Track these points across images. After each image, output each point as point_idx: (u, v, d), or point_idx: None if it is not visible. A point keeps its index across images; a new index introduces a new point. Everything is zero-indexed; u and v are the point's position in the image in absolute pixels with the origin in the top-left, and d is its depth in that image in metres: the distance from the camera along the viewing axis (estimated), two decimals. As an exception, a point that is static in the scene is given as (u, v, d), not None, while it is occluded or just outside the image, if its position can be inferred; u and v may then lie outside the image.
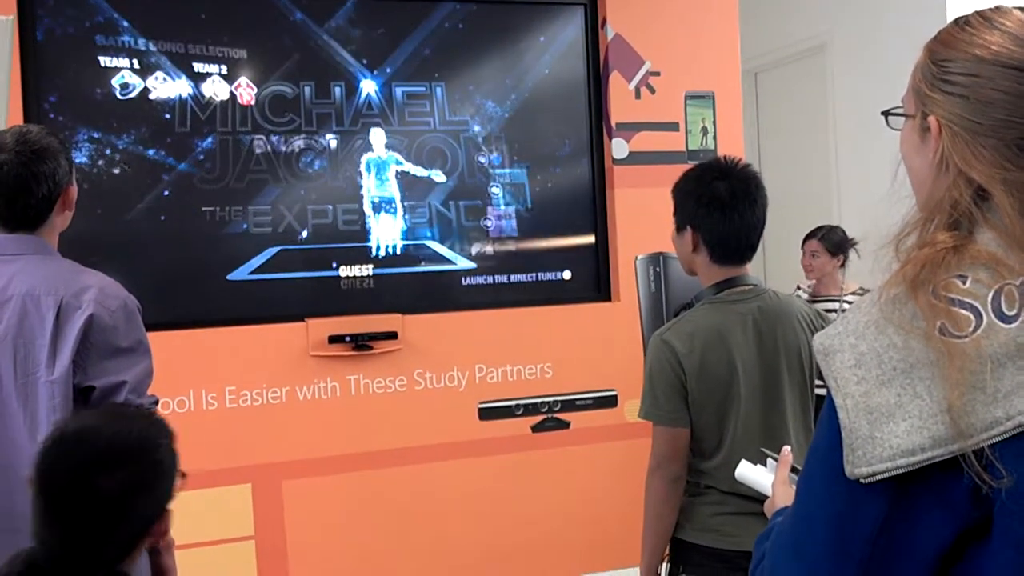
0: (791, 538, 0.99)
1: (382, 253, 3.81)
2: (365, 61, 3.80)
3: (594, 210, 4.09)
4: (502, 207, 3.96)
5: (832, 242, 4.55)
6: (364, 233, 3.79)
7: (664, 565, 2.27)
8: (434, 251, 3.88)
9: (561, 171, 4.07)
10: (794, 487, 1.13)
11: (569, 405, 3.96)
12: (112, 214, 3.49)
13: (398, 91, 3.84)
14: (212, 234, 3.61)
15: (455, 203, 3.90)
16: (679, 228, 2.28)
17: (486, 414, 3.86)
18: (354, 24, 3.79)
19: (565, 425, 3.95)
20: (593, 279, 4.09)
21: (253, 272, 3.64)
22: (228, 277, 3.62)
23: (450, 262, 3.90)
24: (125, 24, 3.51)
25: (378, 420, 3.70)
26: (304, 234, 3.71)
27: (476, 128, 3.94)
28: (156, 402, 2.11)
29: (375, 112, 3.81)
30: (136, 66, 3.53)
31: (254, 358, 3.56)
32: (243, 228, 3.64)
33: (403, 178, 3.84)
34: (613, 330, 3.98)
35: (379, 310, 3.73)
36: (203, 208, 3.60)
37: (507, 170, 3.98)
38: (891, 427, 0.89)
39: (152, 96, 3.55)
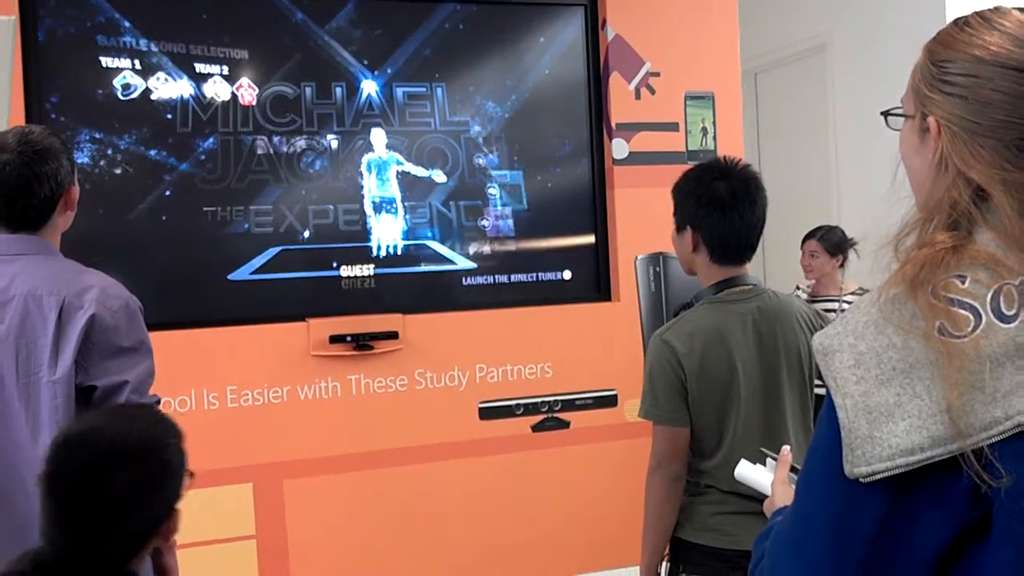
0: (790, 537, 0.99)
1: (383, 253, 3.81)
2: (366, 62, 3.81)
3: (594, 210, 4.09)
4: (499, 207, 3.96)
5: (831, 242, 4.55)
6: (365, 233, 3.79)
7: (664, 564, 2.28)
8: (435, 251, 3.88)
9: (561, 171, 4.07)
10: (793, 487, 1.13)
11: (569, 405, 3.96)
12: (114, 214, 3.50)
13: (399, 91, 3.85)
14: (213, 234, 3.61)
15: (455, 203, 3.91)
16: (679, 228, 2.28)
17: (486, 414, 3.86)
18: (355, 25, 3.80)
19: (565, 425, 3.96)
20: (593, 279, 4.10)
21: (254, 272, 3.64)
22: (229, 277, 3.63)
23: (451, 262, 3.90)
24: (127, 24, 3.51)
25: (379, 420, 3.71)
26: (305, 234, 3.72)
27: (476, 128, 3.94)
28: (158, 402, 2.11)
29: (376, 112, 3.81)
30: (138, 67, 3.53)
31: (255, 358, 3.56)
32: (244, 228, 3.64)
33: (404, 178, 3.85)
34: (613, 330, 3.98)
35: (380, 310, 3.73)
36: (204, 208, 3.60)
37: (506, 171, 3.98)
38: (890, 427, 0.90)
39: (154, 96, 3.56)
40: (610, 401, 4.00)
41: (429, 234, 3.88)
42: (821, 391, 1.11)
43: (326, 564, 3.63)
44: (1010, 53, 0.98)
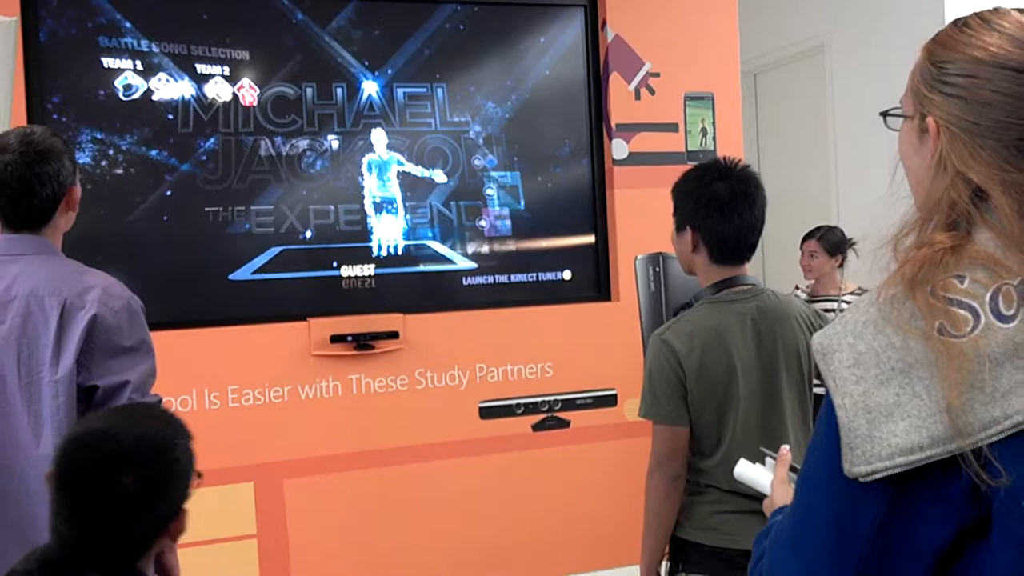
0: (790, 537, 0.99)
1: (383, 253, 3.81)
2: (367, 62, 3.81)
3: (594, 210, 4.10)
4: (496, 207, 3.97)
5: (830, 242, 4.55)
6: (366, 233, 3.79)
7: (664, 564, 2.28)
8: (435, 251, 3.89)
9: (561, 172, 4.08)
10: (793, 486, 1.13)
11: (569, 404, 3.96)
12: (115, 214, 3.50)
13: (399, 92, 3.85)
14: (214, 234, 3.61)
15: (456, 203, 3.91)
16: (679, 228, 2.28)
17: (487, 413, 3.87)
18: (355, 25, 3.80)
19: (565, 424, 3.96)
20: (593, 279, 4.10)
21: (255, 272, 3.65)
22: (230, 277, 3.63)
23: (451, 262, 3.91)
24: (128, 25, 3.52)
25: (379, 419, 3.71)
26: (306, 234, 3.72)
27: (477, 129, 3.95)
28: (159, 402, 2.11)
29: (376, 113, 3.82)
30: (139, 67, 3.53)
31: (256, 357, 3.57)
32: (245, 228, 3.65)
33: (404, 178, 3.85)
34: (613, 330, 3.98)
35: (380, 310, 3.73)
36: (206, 208, 3.60)
37: (505, 172, 3.98)
38: (890, 426, 0.90)
39: (155, 97, 3.56)
40: (610, 401, 4.01)
41: (430, 234, 3.88)
42: (820, 391, 1.11)
43: (327, 563, 3.63)
44: (1009, 54, 0.98)
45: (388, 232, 3.82)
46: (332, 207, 3.76)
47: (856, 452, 0.91)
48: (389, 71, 3.84)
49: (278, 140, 3.69)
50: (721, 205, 2.19)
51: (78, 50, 3.47)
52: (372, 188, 3.80)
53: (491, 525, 3.83)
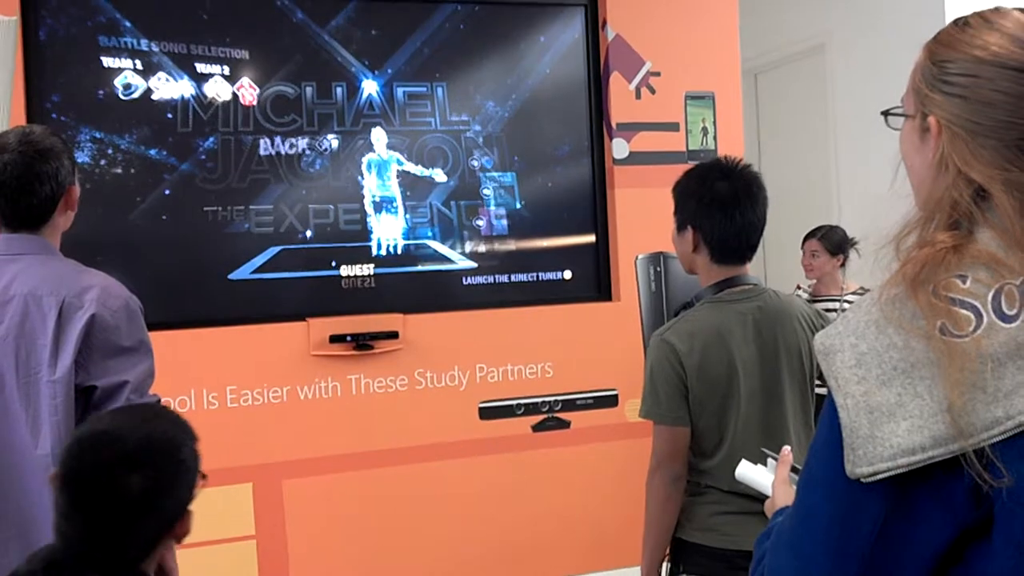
0: (791, 537, 0.99)
1: (383, 253, 3.81)
2: (366, 61, 3.81)
3: (594, 210, 4.10)
4: (494, 207, 3.96)
5: (832, 242, 4.55)
6: (365, 233, 3.79)
7: (665, 565, 2.28)
8: (435, 251, 3.88)
9: (561, 171, 4.07)
10: (794, 487, 1.13)
11: (570, 405, 3.96)
12: (114, 214, 3.50)
13: (399, 91, 3.85)
14: (214, 234, 3.61)
15: (456, 203, 3.91)
16: (680, 228, 2.28)
17: (487, 413, 3.86)
18: (355, 25, 3.80)
19: (566, 424, 3.96)
20: (594, 279, 4.10)
21: (255, 272, 3.65)
22: (230, 277, 3.63)
23: (451, 262, 3.91)
24: (127, 25, 3.52)
25: (379, 419, 3.71)
26: (306, 234, 3.72)
27: (477, 128, 3.95)
28: (158, 402, 2.11)
29: (376, 112, 3.82)
30: (138, 66, 3.53)
31: (255, 358, 3.56)
32: (245, 228, 3.65)
33: (404, 178, 3.85)
34: (613, 330, 3.98)
35: (380, 309, 3.73)
36: (205, 208, 3.60)
37: (505, 172, 3.98)
38: (892, 426, 0.89)
39: (155, 96, 3.56)
40: (610, 401, 4.00)
41: (429, 234, 3.88)
42: (822, 391, 1.11)
43: (326, 564, 3.63)
44: (1010, 53, 0.98)
45: (388, 232, 3.81)
46: (332, 207, 3.75)
47: (858, 452, 0.91)
48: (389, 70, 3.84)
49: (277, 139, 3.69)
50: (722, 205, 2.19)
51: (77, 49, 3.47)
52: (372, 187, 3.80)
53: (491, 526, 3.83)
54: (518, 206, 4.00)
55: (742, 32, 4.30)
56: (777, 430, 2.18)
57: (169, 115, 3.57)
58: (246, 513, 3.52)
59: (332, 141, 3.76)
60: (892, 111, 1.09)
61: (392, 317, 3.72)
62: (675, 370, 2.16)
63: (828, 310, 4.31)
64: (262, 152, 3.67)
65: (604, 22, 4.08)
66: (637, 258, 4.02)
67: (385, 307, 3.75)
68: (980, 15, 1.02)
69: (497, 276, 3.97)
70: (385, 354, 3.71)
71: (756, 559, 1.10)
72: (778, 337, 2.21)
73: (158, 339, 2.24)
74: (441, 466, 3.78)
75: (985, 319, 0.90)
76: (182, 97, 3.58)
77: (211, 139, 3.61)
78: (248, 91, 3.66)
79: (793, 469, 1.34)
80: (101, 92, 3.50)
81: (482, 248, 3.95)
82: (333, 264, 3.75)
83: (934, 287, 0.93)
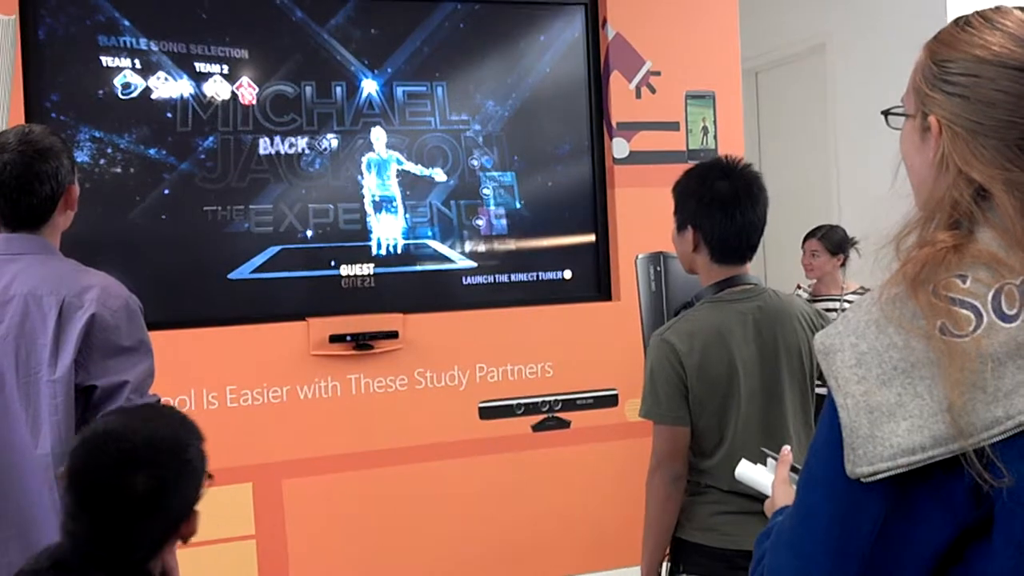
0: (791, 537, 0.99)
1: (383, 252, 3.81)
2: (366, 61, 3.81)
3: (595, 209, 4.09)
4: (494, 207, 3.96)
5: (832, 241, 4.55)
6: (365, 232, 3.79)
7: (664, 564, 2.28)
8: (435, 250, 3.88)
9: (561, 170, 4.07)
10: (794, 486, 1.13)
11: (570, 404, 3.96)
12: (114, 213, 3.50)
13: (399, 91, 3.85)
14: (213, 233, 3.61)
15: (456, 202, 3.91)
16: (680, 227, 2.28)
17: (487, 413, 3.86)
18: (355, 24, 3.80)
19: (566, 424, 3.95)
20: (594, 278, 4.09)
21: (254, 271, 3.64)
22: (229, 276, 3.63)
23: (451, 261, 3.90)
24: (127, 24, 3.51)
25: (379, 419, 3.71)
26: (306, 233, 3.71)
27: (477, 127, 3.94)
28: (158, 401, 2.11)
29: (376, 112, 3.81)
30: (138, 66, 3.53)
31: (255, 357, 3.56)
32: (244, 227, 3.64)
33: (404, 177, 3.85)
34: (613, 329, 3.98)
35: (380, 309, 3.73)
36: (204, 207, 3.60)
37: (505, 171, 3.98)
38: (892, 426, 0.89)
39: (154, 96, 3.55)
40: (611, 401, 4.00)
41: (429, 233, 3.88)
42: (822, 391, 1.11)
43: (326, 563, 3.63)
44: (1012, 53, 0.98)
45: (387, 231, 3.81)
46: (331, 206, 3.75)
47: (858, 452, 0.91)
48: (389, 69, 3.84)
49: (277, 139, 3.69)
50: (723, 204, 2.19)
51: (77, 48, 3.47)
52: (371, 187, 3.80)
53: (491, 526, 3.83)
54: (518, 206, 4.00)
55: (743, 31, 4.30)
56: (777, 430, 2.18)
57: (168, 114, 3.57)
58: (246, 513, 3.52)
59: (332, 140, 3.76)
60: (892, 111, 1.09)
61: (392, 317, 3.72)
62: (675, 370, 2.16)
63: (828, 310, 4.31)
64: (262, 151, 3.67)
65: (604, 21, 4.08)
66: (637, 258, 4.02)
67: (385, 307, 3.75)
68: (981, 14, 1.02)
69: (497, 276, 3.96)
70: (385, 354, 3.71)
71: (756, 559, 1.10)
72: (778, 337, 2.21)
73: (158, 339, 2.24)
74: (441, 466, 3.78)
75: (985, 319, 0.90)
76: (181, 96, 3.58)
77: (210, 138, 3.61)
78: (247, 90, 3.66)
79: (793, 469, 1.34)
80: (100, 91, 3.49)
81: (482, 248, 3.95)
82: (333, 264, 3.75)
83: (934, 287, 0.93)
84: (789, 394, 2.22)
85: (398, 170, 3.83)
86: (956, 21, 1.04)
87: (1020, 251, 0.93)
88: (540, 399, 3.92)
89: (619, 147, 4.06)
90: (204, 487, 1.57)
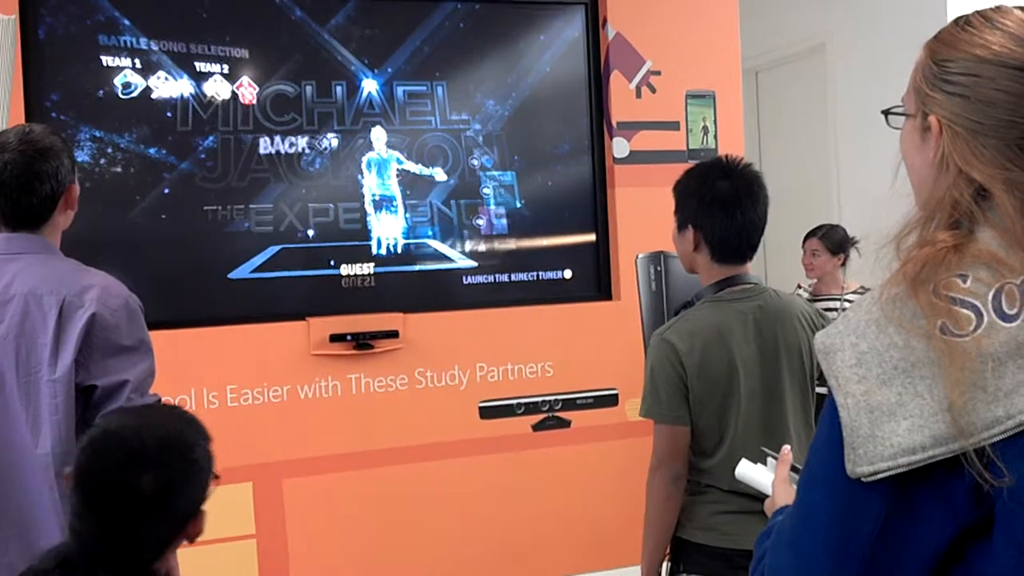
0: (792, 537, 0.99)
1: (383, 252, 3.81)
2: (366, 60, 3.81)
3: (595, 209, 4.09)
4: (494, 207, 3.96)
5: (833, 241, 4.55)
6: (365, 232, 3.79)
7: (665, 564, 2.28)
8: (435, 250, 3.88)
9: (562, 170, 4.07)
10: (794, 486, 1.13)
11: (570, 404, 3.96)
12: (114, 213, 3.50)
13: (399, 90, 3.85)
14: (213, 233, 3.61)
15: (456, 202, 3.91)
16: (680, 227, 2.28)
17: (487, 413, 3.86)
18: (355, 23, 3.80)
19: (566, 424, 3.95)
20: (594, 278, 4.09)
21: (254, 271, 3.64)
22: (229, 276, 3.63)
23: (451, 261, 3.90)
24: (127, 23, 3.51)
25: (379, 419, 3.70)
26: (306, 233, 3.71)
27: (477, 127, 3.94)
28: (158, 401, 2.11)
29: (376, 111, 3.81)
30: (138, 65, 3.53)
31: (255, 357, 3.56)
32: (244, 227, 3.64)
33: (404, 177, 3.84)
34: (614, 329, 3.98)
35: (380, 309, 3.73)
36: (204, 207, 3.60)
37: (505, 171, 3.98)
38: (892, 426, 0.89)
39: (154, 95, 3.55)
40: (611, 400, 4.00)
41: (429, 233, 3.88)
42: (822, 390, 1.11)
43: (326, 563, 3.63)
44: (1012, 52, 0.98)
45: (388, 230, 3.81)
46: (331, 205, 3.75)
47: (859, 452, 0.91)
48: (389, 69, 3.84)
49: (277, 138, 3.68)
50: (723, 204, 2.19)
51: (77, 48, 3.47)
52: (372, 186, 3.80)
53: (491, 525, 3.83)
54: (518, 205, 3.99)
55: (743, 30, 4.30)
56: (777, 429, 2.18)
57: (168, 114, 3.57)
58: (246, 512, 3.52)
59: (332, 140, 3.76)
60: (893, 110, 1.09)
61: (392, 316, 3.72)
62: (675, 369, 2.16)
63: (828, 309, 4.31)
64: (262, 151, 3.66)
65: (604, 21, 4.07)
66: (637, 257, 4.02)
67: (385, 306, 3.75)
68: (981, 14, 1.02)
69: (497, 275, 3.96)
70: (385, 353, 3.71)
71: (756, 558, 1.10)
72: (778, 336, 2.21)
73: (158, 338, 2.24)
74: (441, 465, 3.78)
75: (986, 318, 0.90)
76: (181, 96, 3.58)
77: (211, 138, 3.61)
78: (248, 90, 3.66)
79: (793, 468, 1.34)
80: (101, 91, 3.49)
81: (482, 247, 3.95)
82: (333, 263, 3.75)
83: (935, 286, 0.93)
84: (789, 393, 2.22)
85: (398, 169, 3.83)
86: (956, 21, 1.04)
87: (1020, 251, 0.93)
88: (540, 399, 3.92)
89: (619, 147, 4.06)
90: (211, 487, 1.57)
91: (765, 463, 1.52)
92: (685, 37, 4.15)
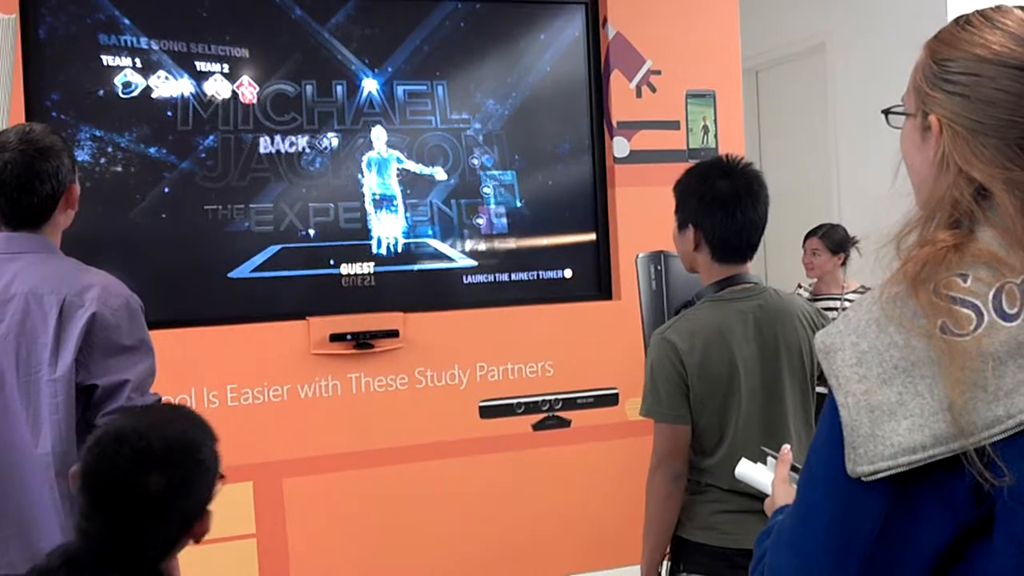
0: (792, 536, 0.99)
1: (383, 251, 3.81)
2: (366, 59, 3.80)
3: (595, 208, 4.09)
4: (494, 206, 3.96)
5: (833, 240, 4.55)
6: (365, 231, 3.79)
7: (665, 563, 2.28)
8: (435, 249, 3.88)
9: (562, 169, 4.07)
10: (794, 485, 1.13)
11: (570, 403, 3.96)
12: (114, 212, 3.50)
13: (399, 89, 3.84)
14: (214, 232, 3.61)
15: (456, 201, 3.91)
16: (681, 226, 2.28)
17: (487, 412, 3.86)
18: (355, 22, 3.80)
19: (566, 423, 3.95)
20: (594, 277, 4.09)
21: (255, 270, 3.64)
22: (230, 275, 3.63)
23: (451, 260, 3.90)
24: (127, 23, 3.51)
25: (379, 418, 3.71)
26: (307, 232, 3.71)
27: (477, 126, 3.94)
28: (158, 401, 2.11)
29: (376, 110, 3.81)
30: (138, 64, 3.53)
31: (255, 356, 3.56)
32: (245, 226, 3.64)
33: (404, 176, 3.84)
34: (614, 328, 3.98)
35: (380, 308, 3.73)
36: (205, 206, 3.60)
37: (506, 170, 3.98)
38: (892, 425, 0.89)
39: (154, 95, 3.55)
40: (611, 400, 4.00)
41: (430, 232, 3.88)
42: (822, 390, 1.11)
43: (326, 562, 3.63)
44: (1012, 52, 0.98)
45: (388, 230, 3.81)
46: (332, 205, 3.75)
47: (859, 451, 0.91)
48: (389, 68, 3.83)
49: (277, 138, 3.68)
50: (724, 203, 2.19)
51: (77, 47, 3.47)
52: (372, 186, 3.80)
53: (491, 525, 3.83)
54: (518, 204, 3.99)
55: (743, 30, 4.30)
56: (778, 429, 2.18)
57: (169, 113, 3.57)
58: (246, 512, 3.52)
59: (332, 139, 3.76)
60: (893, 110, 1.09)
61: (392, 316, 3.72)
62: (676, 368, 2.16)
63: (829, 308, 4.31)
64: (262, 150, 3.66)
65: (605, 20, 4.07)
66: (638, 257, 4.02)
67: (385, 306, 3.75)
68: (982, 13, 1.02)
69: (497, 275, 3.96)
70: (385, 353, 3.71)
71: (756, 558, 1.10)
72: (779, 336, 2.22)
73: (158, 338, 2.24)
74: (441, 465, 3.78)
75: (986, 318, 0.90)
76: (182, 95, 3.58)
77: (211, 137, 3.61)
78: (248, 89, 3.66)
79: (793, 468, 1.34)
80: (101, 90, 3.49)
81: (482, 246, 3.95)
82: (333, 262, 3.75)
83: (935, 286, 0.92)
84: (790, 393, 2.22)
85: (398, 169, 3.83)
86: (956, 20, 1.04)
87: (1021, 250, 0.93)
88: (540, 398, 3.92)
89: (619, 146, 4.06)
90: (217, 487, 1.57)
91: (765, 462, 1.52)
92: (685, 36, 4.15)
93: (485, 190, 3.95)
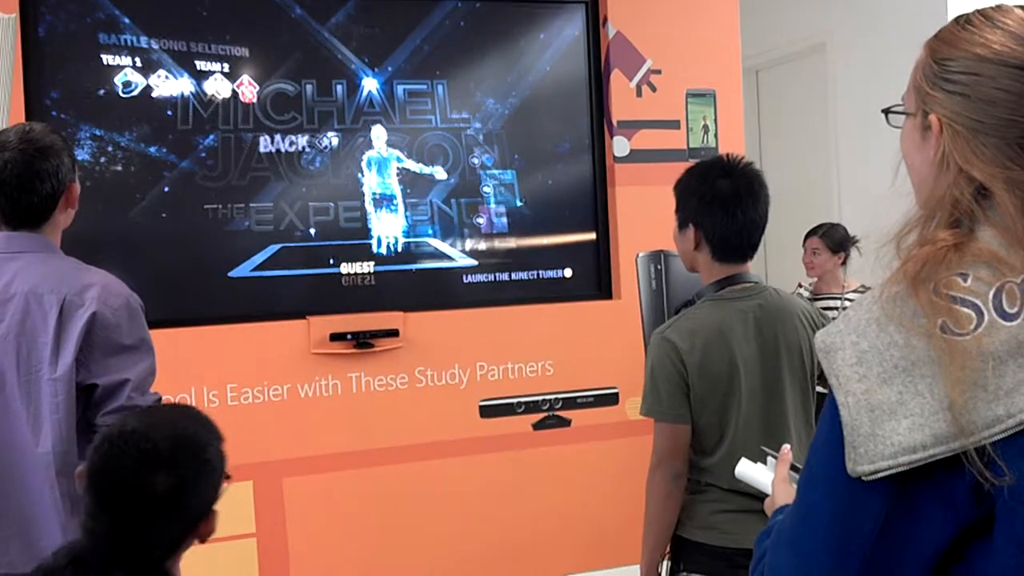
0: (792, 536, 0.99)
1: (383, 250, 3.81)
2: (366, 59, 3.80)
3: (595, 208, 4.09)
4: (495, 205, 3.96)
5: (833, 240, 4.54)
6: (365, 230, 3.79)
7: (664, 563, 2.28)
8: (435, 248, 3.88)
9: (562, 169, 4.07)
10: (794, 485, 1.13)
11: (570, 403, 3.96)
12: (114, 211, 3.50)
13: (399, 89, 3.84)
14: (214, 231, 3.61)
15: (456, 201, 3.91)
16: (681, 225, 2.28)
17: (487, 412, 3.86)
18: (355, 22, 3.80)
19: (566, 423, 3.95)
20: (594, 277, 4.09)
21: (255, 269, 3.64)
22: (230, 274, 3.63)
23: (451, 259, 3.90)
24: (127, 22, 3.51)
25: (379, 418, 3.71)
26: (308, 231, 3.71)
27: (477, 126, 3.94)
28: (159, 400, 2.11)
29: (376, 110, 3.81)
30: (138, 64, 3.53)
31: (255, 355, 3.56)
32: (245, 225, 3.64)
33: (404, 175, 3.84)
34: (614, 328, 3.98)
35: (380, 307, 3.73)
36: (205, 205, 3.60)
37: (506, 169, 3.98)
38: (893, 425, 0.89)
39: (154, 94, 3.55)
40: (611, 399, 4.00)
41: (430, 231, 3.88)
42: (822, 390, 1.11)
43: (326, 562, 3.63)
44: (1012, 51, 0.98)
45: (388, 229, 3.81)
46: (332, 204, 3.75)
47: (859, 451, 0.91)
48: (389, 68, 3.83)
49: (278, 137, 3.68)
50: (724, 202, 2.19)
51: (77, 46, 3.46)
52: (372, 185, 3.80)
53: (491, 524, 3.83)
54: (518, 204, 3.99)
55: (743, 29, 4.30)
56: (778, 428, 2.18)
57: (169, 112, 3.57)
58: (246, 511, 3.52)
59: (332, 139, 3.76)
60: (893, 109, 1.09)
61: (392, 315, 3.72)
62: (676, 368, 2.16)
63: (829, 308, 4.32)
64: (262, 150, 3.66)
65: (605, 19, 4.07)
66: (638, 256, 4.02)
67: (385, 305, 3.75)
68: (982, 13, 1.02)
69: (497, 274, 3.96)
70: (385, 352, 3.71)
71: (756, 557, 1.10)
72: (779, 335, 2.22)
73: (158, 337, 2.24)
74: (441, 464, 3.78)
75: (986, 317, 0.90)
76: (182, 94, 3.58)
77: (211, 137, 3.61)
78: (248, 88, 3.65)
79: (793, 467, 1.34)
80: (101, 89, 3.49)
81: (482, 246, 3.95)
82: (333, 262, 3.75)
83: (935, 285, 0.92)
84: (790, 392, 2.22)
85: (398, 168, 3.83)
86: (957, 19, 1.04)
87: (1021, 249, 0.93)
88: (540, 397, 3.92)
89: (620, 145, 4.06)
90: (223, 487, 1.58)
91: (765, 462, 1.52)
92: (685, 36, 4.15)
93: (485, 189, 3.95)
